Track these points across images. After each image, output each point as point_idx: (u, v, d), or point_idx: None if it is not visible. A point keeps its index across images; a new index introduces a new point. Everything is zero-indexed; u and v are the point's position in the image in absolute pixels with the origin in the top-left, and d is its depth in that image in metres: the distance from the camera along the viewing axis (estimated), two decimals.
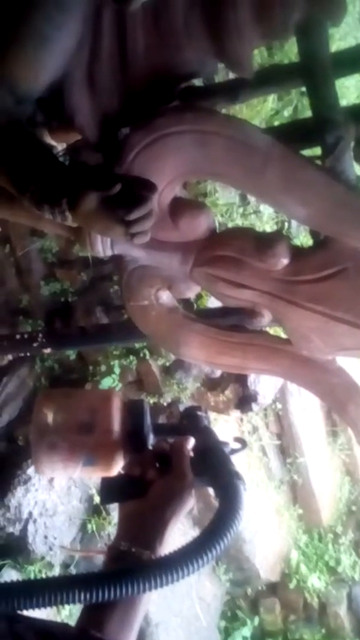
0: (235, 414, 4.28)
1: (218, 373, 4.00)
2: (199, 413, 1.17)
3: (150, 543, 0.85)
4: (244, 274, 1.50)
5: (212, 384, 4.03)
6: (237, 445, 1.11)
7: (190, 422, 1.14)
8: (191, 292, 1.72)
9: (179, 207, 1.51)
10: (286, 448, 5.26)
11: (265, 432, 5.12)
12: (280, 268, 1.46)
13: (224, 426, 4.36)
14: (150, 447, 1.04)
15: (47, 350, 3.57)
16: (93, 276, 3.64)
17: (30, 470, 3.53)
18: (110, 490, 0.99)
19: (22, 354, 3.72)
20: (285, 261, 1.45)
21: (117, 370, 3.76)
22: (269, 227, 3.50)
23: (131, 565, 0.80)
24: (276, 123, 3.18)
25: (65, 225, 1.42)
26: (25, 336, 3.60)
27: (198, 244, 1.55)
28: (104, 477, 1.02)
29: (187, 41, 1.31)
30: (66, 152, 2.36)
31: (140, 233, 1.31)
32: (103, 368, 3.78)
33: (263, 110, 3.11)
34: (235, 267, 1.50)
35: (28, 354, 3.69)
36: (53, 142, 2.26)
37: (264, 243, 1.45)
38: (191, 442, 1.02)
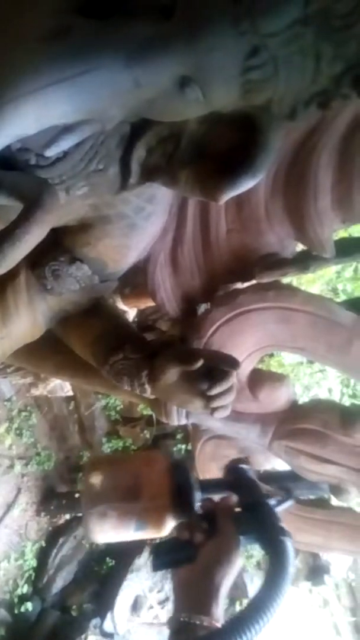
0: (305, 585, 3.92)
1: None
2: (244, 466, 1.19)
3: (207, 609, 0.88)
4: (329, 449, 1.43)
5: None
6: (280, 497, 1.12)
7: (235, 476, 1.16)
8: (269, 464, 1.64)
9: (259, 379, 1.49)
10: None
11: (338, 606, 4.63)
12: None
13: (291, 597, 3.98)
14: (197, 507, 1.05)
15: None
16: (156, 434, 3.60)
17: None
18: (161, 557, 1.01)
19: (80, 514, 3.60)
20: None
21: None
22: (334, 385, 3.44)
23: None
24: (339, 285, 3.25)
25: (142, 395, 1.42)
26: None
27: (278, 416, 1.51)
28: (154, 544, 1.04)
29: (268, 226, 1.37)
30: (140, 320, 2.44)
31: (221, 407, 1.28)
32: None
33: (326, 273, 3.20)
34: (319, 441, 1.43)
35: None
36: (124, 307, 2.36)
37: (350, 417, 1.40)
38: (235, 500, 1.05)
